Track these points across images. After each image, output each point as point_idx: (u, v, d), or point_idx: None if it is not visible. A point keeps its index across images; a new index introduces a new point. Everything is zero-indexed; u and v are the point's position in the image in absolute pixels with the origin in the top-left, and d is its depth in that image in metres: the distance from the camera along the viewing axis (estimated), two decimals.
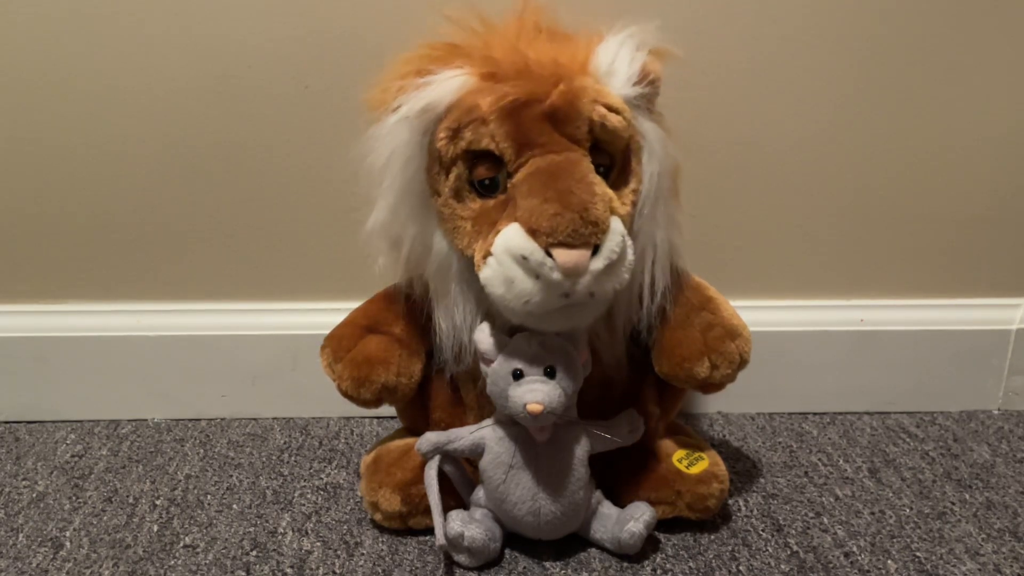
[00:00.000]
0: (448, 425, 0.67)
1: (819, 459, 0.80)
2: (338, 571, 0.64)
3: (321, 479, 0.77)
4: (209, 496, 0.74)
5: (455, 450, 0.64)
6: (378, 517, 0.68)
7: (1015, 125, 0.82)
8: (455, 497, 0.67)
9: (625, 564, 0.65)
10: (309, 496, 0.74)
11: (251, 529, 0.70)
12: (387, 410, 0.71)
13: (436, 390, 0.69)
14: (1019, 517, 0.71)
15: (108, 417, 0.88)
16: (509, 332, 0.61)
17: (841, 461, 0.80)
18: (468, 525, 0.63)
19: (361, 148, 0.59)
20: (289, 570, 0.64)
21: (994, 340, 0.87)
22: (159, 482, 0.77)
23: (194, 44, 0.77)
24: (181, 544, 0.68)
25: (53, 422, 0.88)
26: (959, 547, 0.67)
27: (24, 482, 0.77)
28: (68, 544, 0.68)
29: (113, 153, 0.80)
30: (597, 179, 0.56)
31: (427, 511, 0.64)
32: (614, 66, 0.58)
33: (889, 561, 0.65)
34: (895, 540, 0.68)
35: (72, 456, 0.81)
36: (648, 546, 0.66)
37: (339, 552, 0.67)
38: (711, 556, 0.66)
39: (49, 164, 0.81)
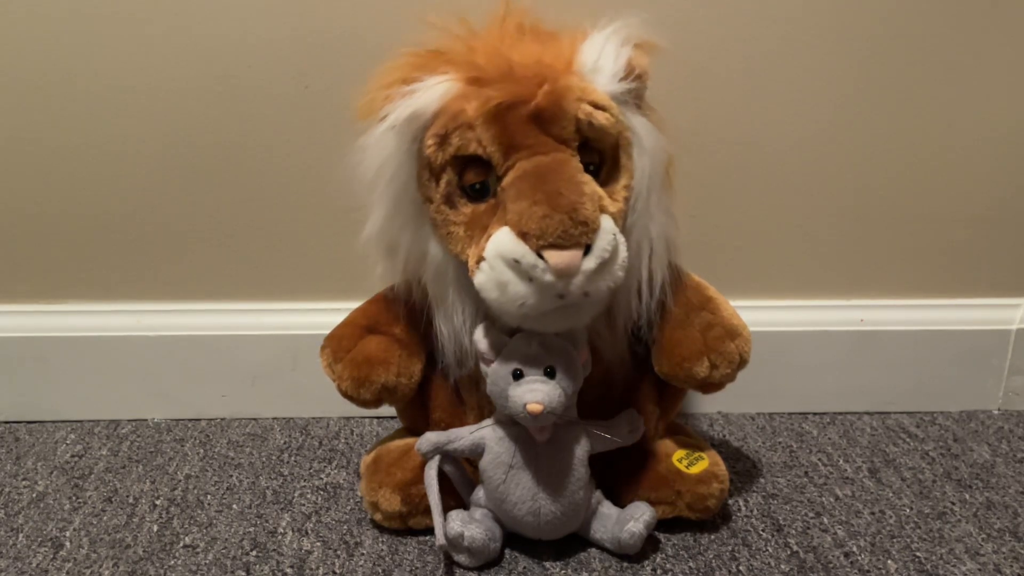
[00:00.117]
0: (448, 425, 0.67)
1: (819, 459, 0.80)
2: (338, 571, 0.64)
3: (321, 479, 0.77)
4: (209, 496, 0.74)
5: (455, 450, 0.64)
6: (378, 517, 0.68)
7: (1015, 125, 0.82)
8: (455, 497, 0.67)
9: (625, 564, 0.65)
10: (309, 496, 0.74)
11: (251, 529, 0.70)
12: (387, 410, 0.71)
13: (436, 390, 0.69)
14: (1019, 517, 0.71)
15: (108, 417, 0.88)
16: (509, 332, 0.61)
17: (841, 461, 0.80)
18: (468, 525, 0.63)
19: (352, 159, 0.60)
20: (289, 570, 0.64)
21: (994, 340, 0.87)
22: (159, 482, 0.77)
23: (194, 44, 0.77)
24: (181, 544, 0.68)
25: (53, 422, 0.88)
26: (959, 547, 0.67)
27: (24, 482, 0.77)
28: (68, 544, 0.68)
29: (113, 153, 0.80)
30: (586, 178, 0.56)
31: (427, 511, 0.64)
32: (599, 63, 0.58)
33: (889, 561, 0.65)
34: (895, 540, 0.68)
35: (72, 456, 0.81)
36: (648, 546, 0.66)
37: (339, 552, 0.67)
38: (711, 556, 0.66)
39: (49, 164, 0.81)
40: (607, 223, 0.56)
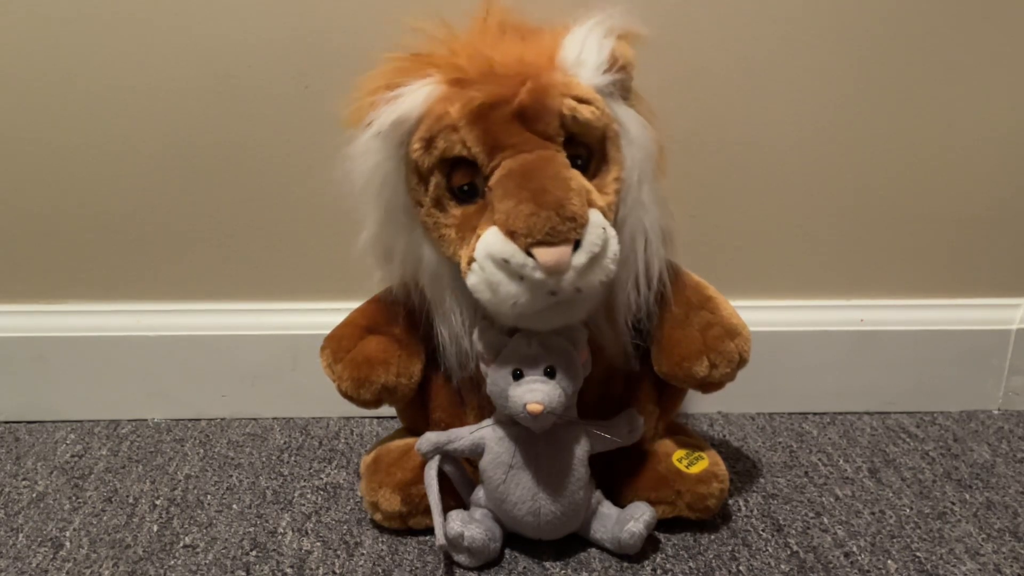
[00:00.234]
0: (448, 425, 0.67)
1: (819, 459, 0.80)
2: (338, 571, 0.64)
3: (321, 479, 0.77)
4: (209, 496, 0.74)
5: (455, 450, 0.64)
6: (378, 517, 0.68)
7: (1015, 125, 0.82)
8: (455, 497, 0.67)
9: (625, 564, 0.65)
10: (309, 496, 0.74)
11: (251, 529, 0.70)
12: (387, 410, 0.71)
13: (436, 390, 0.69)
14: (1019, 517, 0.71)
15: (108, 417, 0.88)
16: (509, 332, 0.61)
17: (841, 461, 0.80)
18: (468, 525, 0.63)
19: (341, 167, 0.60)
20: (289, 570, 0.64)
21: (994, 340, 0.87)
22: (159, 482, 0.77)
23: (194, 44, 0.77)
24: (181, 544, 0.68)
25: (53, 422, 0.88)
26: (959, 547, 0.67)
27: (24, 482, 0.77)
28: (68, 544, 0.68)
29: (113, 153, 0.80)
30: (572, 173, 0.56)
31: (427, 511, 0.64)
32: (582, 56, 0.58)
33: (889, 561, 0.65)
34: (895, 540, 0.68)
35: (72, 456, 0.81)
36: (648, 546, 0.66)
37: (339, 552, 0.67)
38: (711, 556, 0.66)
39: (49, 164, 0.81)
40: (596, 217, 0.55)
